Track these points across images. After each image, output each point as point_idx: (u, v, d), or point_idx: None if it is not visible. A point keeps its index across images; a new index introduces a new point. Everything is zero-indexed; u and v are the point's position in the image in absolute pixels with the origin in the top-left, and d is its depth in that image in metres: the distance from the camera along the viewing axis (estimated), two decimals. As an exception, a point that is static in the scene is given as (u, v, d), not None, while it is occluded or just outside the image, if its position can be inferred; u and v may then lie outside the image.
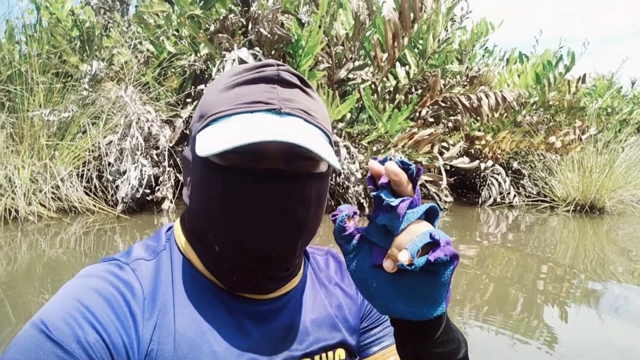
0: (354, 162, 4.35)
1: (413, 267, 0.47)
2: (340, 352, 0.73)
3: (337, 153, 4.29)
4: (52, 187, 3.63)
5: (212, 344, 0.61)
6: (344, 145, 4.43)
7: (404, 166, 0.50)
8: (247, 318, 0.65)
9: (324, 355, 0.70)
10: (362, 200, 4.36)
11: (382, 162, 0.51)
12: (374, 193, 0.52)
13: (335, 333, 0.73)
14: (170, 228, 0.72)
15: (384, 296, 0.53)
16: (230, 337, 0.62)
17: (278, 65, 0.63)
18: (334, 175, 4.24)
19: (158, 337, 0.59)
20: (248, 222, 0.59)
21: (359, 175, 4.31)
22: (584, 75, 6.77)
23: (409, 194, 0.51)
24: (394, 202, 0.50)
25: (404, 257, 0.47)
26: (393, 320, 0.56)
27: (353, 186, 4.31)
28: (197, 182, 0.63)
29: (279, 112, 0.60)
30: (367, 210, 4.34)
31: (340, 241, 0.55)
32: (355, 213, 0.54)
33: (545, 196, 6.11)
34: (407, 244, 0.48)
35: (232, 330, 0.63)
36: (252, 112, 0.60)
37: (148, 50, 4.68)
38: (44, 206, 3.54)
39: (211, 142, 0.58)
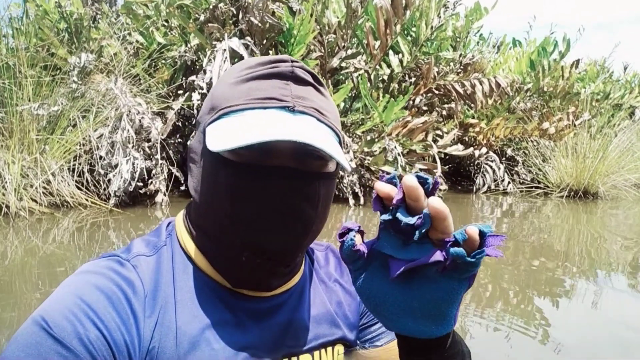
0: (348, 152, 4.33)
1: (473, 257, 0.44)
2: (339, 348, 0.73)
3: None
4: (43, 182, 3.58)
5: (212, 342, 0.61)
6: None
7: (420, 180, 0.46)
8: (247, 315, 0.65)
9: (323, 351, 0.71)
10: (357, 190, 4.35)
11: (389, 180, 0.47)
12: (386, 216, 0.47)
13: (334, 329, 0.73)
14: (170, 223, 0.71)
15: (392, 313, 0.50)
16: (230, 335, 0.62)
17: (292, 61, 0.62)
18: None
19: (159, 335, 0.59)
20: (256, 218, 0.59)
21: (353, 165, 4.29)
22: (577, 61, 6.77)
23: (424, 208, 0.46)
24: (413, 220, 0.45)
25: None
26: (398, 334, 0.54)
27: (348, 175, 4.30)
28: (206, 176, 0.63)
29: (292, 110, 0.60)
30: (362, 200, 4.34)
31: (346, 259, 0.51)
32: (361, 231, 0.51)
33: (539, 182, 6.13)
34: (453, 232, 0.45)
35: (232, 327, 0.63)
36: (265, 108, 0.59)
37: (137, 41, 4.61)
38: (35, 201, 3.50)
39: (223, 137, 0.57)
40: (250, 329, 0.64)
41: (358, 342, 0.79)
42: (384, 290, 0.50)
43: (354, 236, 0.49)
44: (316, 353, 0.69)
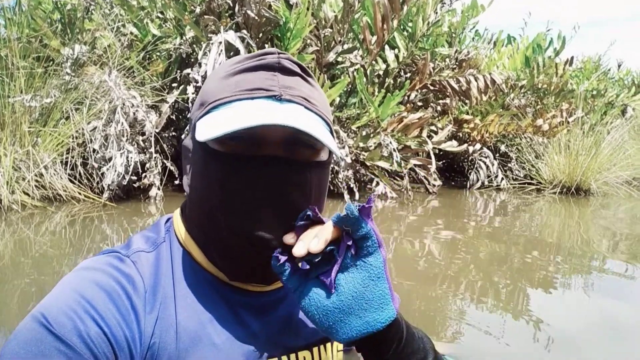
0: (343, 147, 4.33)
1: (350, 213, 0.53)
2: (339, 345, 0.73)
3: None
4: (36, 175, 3.55)
5: (213, 336, 0.61)
6: (334, 130, 4.39)
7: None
8: (247, 310, 0.65)
9: (322, 347, 0.70)
10: (352, 185, 4.35)
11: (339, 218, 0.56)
12: (306, 265, 0.58)
13: None
14: (169, 219, 0.71)
15: (337, 320, 0.56)
16: (230, 329, 0.62)
17: (279, 53, 0.62)
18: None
19: (160, 330, 0.59)
20: (247, 209, 0.59)
21: (348, 160, 4.29)
22: (571, 58, 6.80)
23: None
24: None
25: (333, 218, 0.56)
26: (358, 348, 0.59)
27: (343, 171, 4.30)
28: (197, 170, 0.63)
29: (280, 98, 0.60)
30: (357, 195, 4.34)
31: (284, 280, 0.59)
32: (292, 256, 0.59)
33: (532, 179, 6.17)
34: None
35: (232, 322, 0.63)
36: (252, 98, 0.59)
37: (132, 33, 4.56)
38: (28, 195, 3.47)
39: (211, 127, 0.57)
40: (250, 324, 0.64)
41: None
42: (322, 302, 0.56)
43: (279, 252, 0.59)
44: (315, 349, 0.69)
